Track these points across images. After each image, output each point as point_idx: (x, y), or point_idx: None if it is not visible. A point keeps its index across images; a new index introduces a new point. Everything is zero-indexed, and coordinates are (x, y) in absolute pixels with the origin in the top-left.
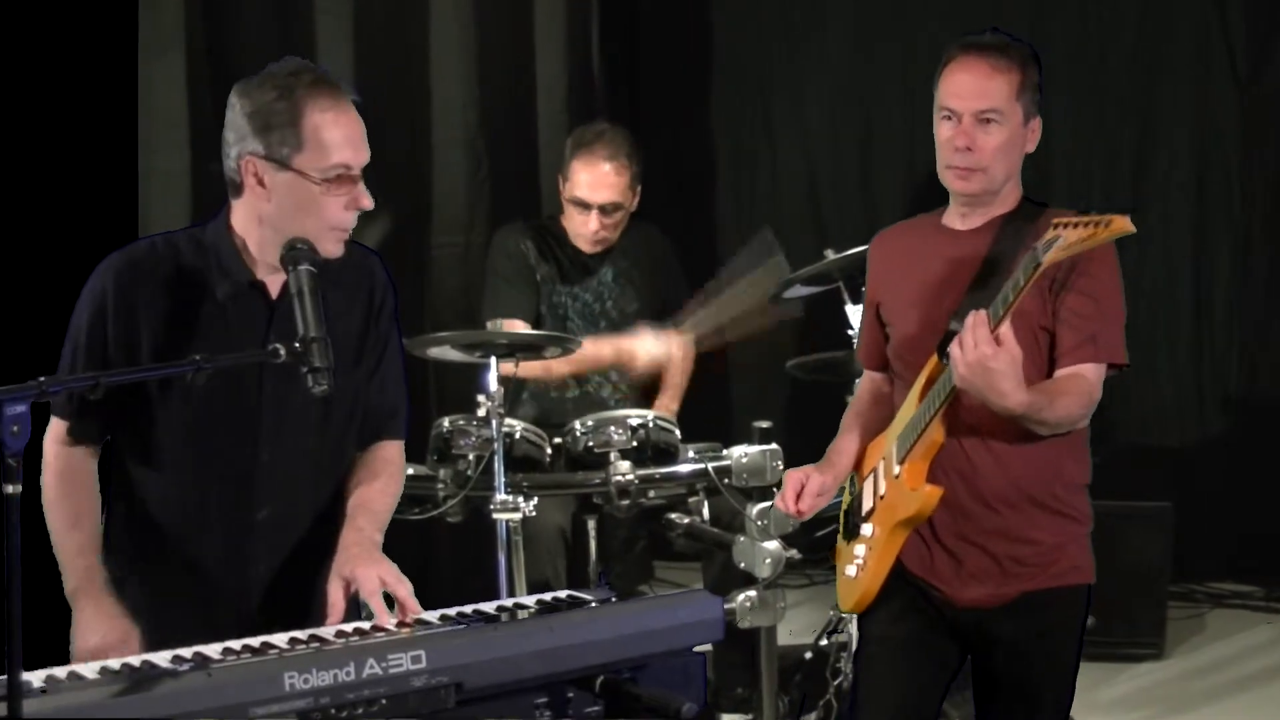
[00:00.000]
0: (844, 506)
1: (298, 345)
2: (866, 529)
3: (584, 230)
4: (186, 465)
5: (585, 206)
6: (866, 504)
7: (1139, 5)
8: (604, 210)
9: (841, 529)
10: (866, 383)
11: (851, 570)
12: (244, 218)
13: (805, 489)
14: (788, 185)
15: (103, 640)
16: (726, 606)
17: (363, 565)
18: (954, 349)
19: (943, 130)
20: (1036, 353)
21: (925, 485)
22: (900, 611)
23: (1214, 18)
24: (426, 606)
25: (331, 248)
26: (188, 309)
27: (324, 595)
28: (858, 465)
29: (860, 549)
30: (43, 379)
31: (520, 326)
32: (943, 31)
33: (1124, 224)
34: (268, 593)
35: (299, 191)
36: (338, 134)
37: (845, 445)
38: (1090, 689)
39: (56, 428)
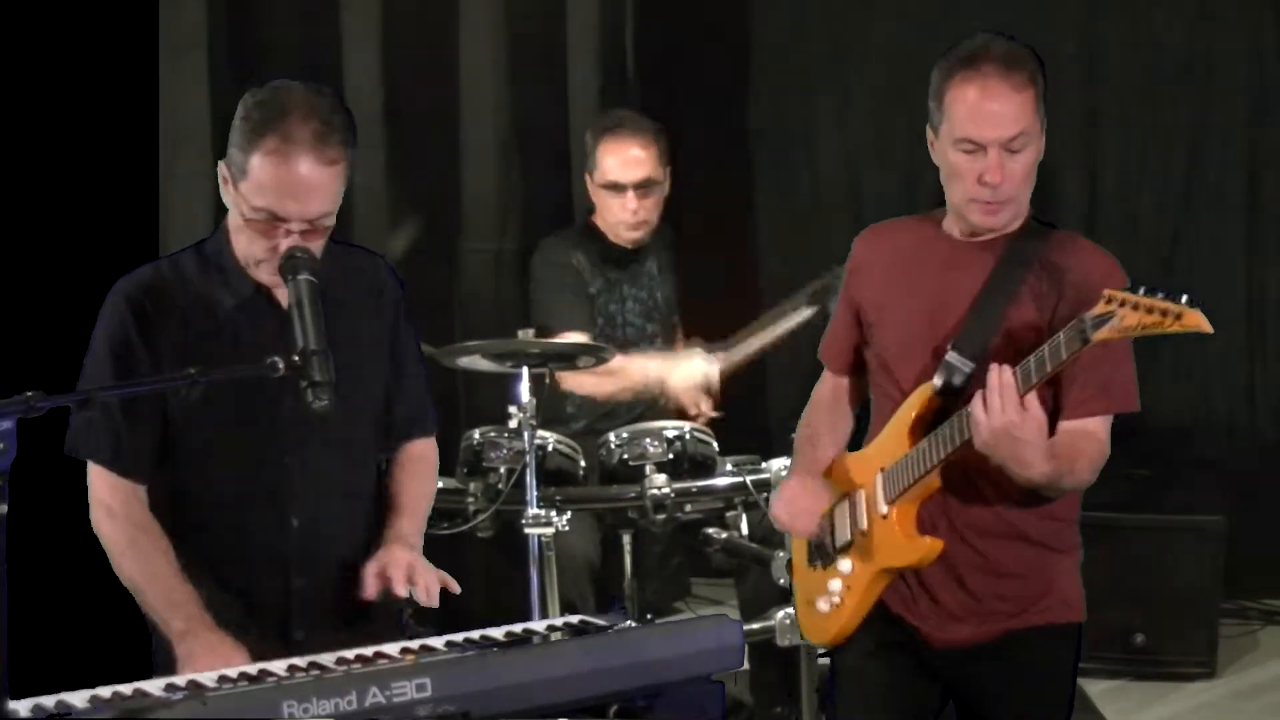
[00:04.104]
0: None
1: (296, 358)
2: (844, 564)
3: (622, 215)
4: (218, 484)
5: (620, 189)
6: (843, 534)
7: (1192, 13)
8: (639, 188)
9: (806, 553)
10: (828, 387)
11: (824, 605)
12: (231, 221)
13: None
14: (829, 186)
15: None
16: (765, 624)
17: (397, 554)
18: (976, 409)
19: (961, 163)
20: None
21: (925, 538)
22: (876, 647)
23: (1269, 26)
24: (455, 624)
25: (262, 275)
26: (202, 327)
27: (362, 604)
28: (824, 478)
29: (835, 584)
30: (30, 394)
31: (579, 339)
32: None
33: (1198, 321)
34: (308, 603)
35: (240, 212)
36: (269, 179)
37: (818, 459)
38: (1139, 709)
39: (99, 478)
